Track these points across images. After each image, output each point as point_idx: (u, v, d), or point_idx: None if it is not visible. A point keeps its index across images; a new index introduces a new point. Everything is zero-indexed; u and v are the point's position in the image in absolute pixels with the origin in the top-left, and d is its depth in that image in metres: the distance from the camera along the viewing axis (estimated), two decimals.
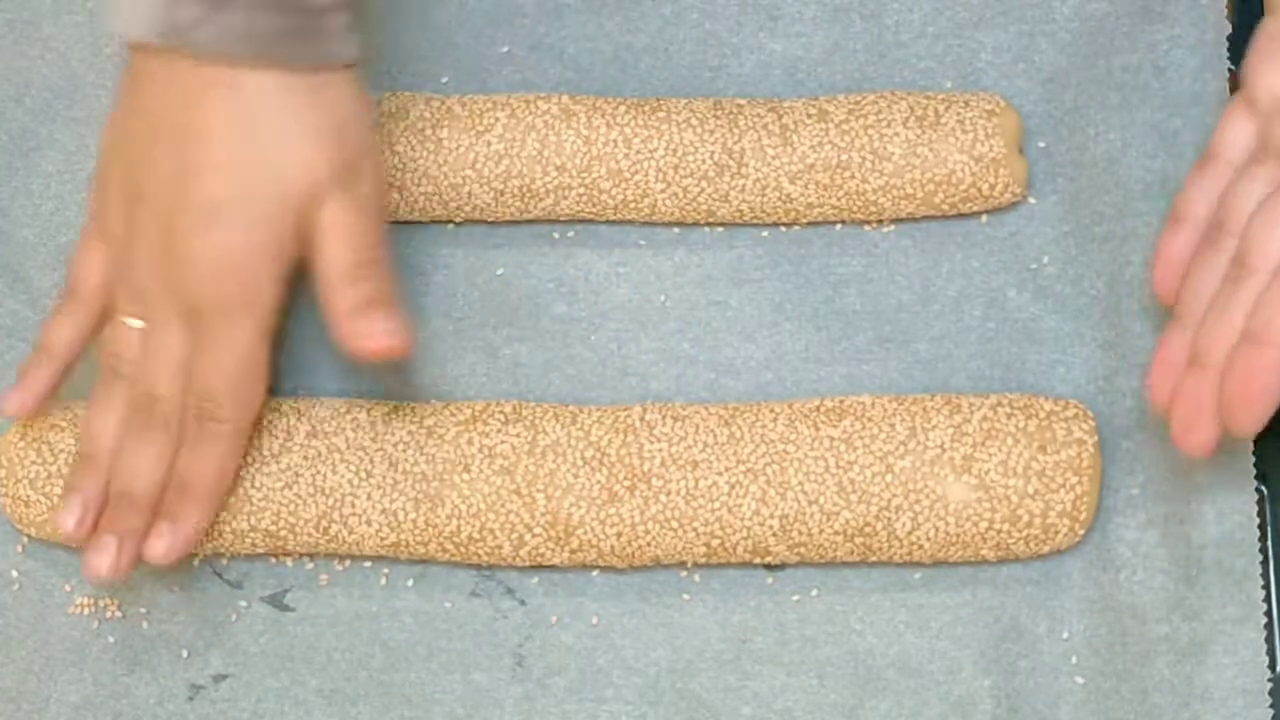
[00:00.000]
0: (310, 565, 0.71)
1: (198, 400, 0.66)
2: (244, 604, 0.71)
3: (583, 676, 0.69)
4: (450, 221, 0.75)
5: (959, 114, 0.72)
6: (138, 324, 0.67)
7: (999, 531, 0.67)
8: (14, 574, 0.72)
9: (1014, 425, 0.67)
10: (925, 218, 0.73)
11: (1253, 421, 0.61)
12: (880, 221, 0.74)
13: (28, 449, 0.70)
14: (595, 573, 0.70)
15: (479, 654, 0.70)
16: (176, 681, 0.70)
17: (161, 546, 0.66)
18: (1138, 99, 0.73)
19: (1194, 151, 0.72)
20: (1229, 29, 0.73)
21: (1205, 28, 0.73)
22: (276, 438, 0.69)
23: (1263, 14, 0.67)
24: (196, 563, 0.71)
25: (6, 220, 0.76)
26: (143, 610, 0.71)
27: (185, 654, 0.70)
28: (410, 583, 0.71)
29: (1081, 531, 0.68)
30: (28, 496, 0.69)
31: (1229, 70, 0.73)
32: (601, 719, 0.69)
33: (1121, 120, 0.73)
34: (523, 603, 0.70)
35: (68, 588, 0.71)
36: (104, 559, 0.66)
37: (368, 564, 0.71)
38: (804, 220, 0.74)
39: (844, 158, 0.72)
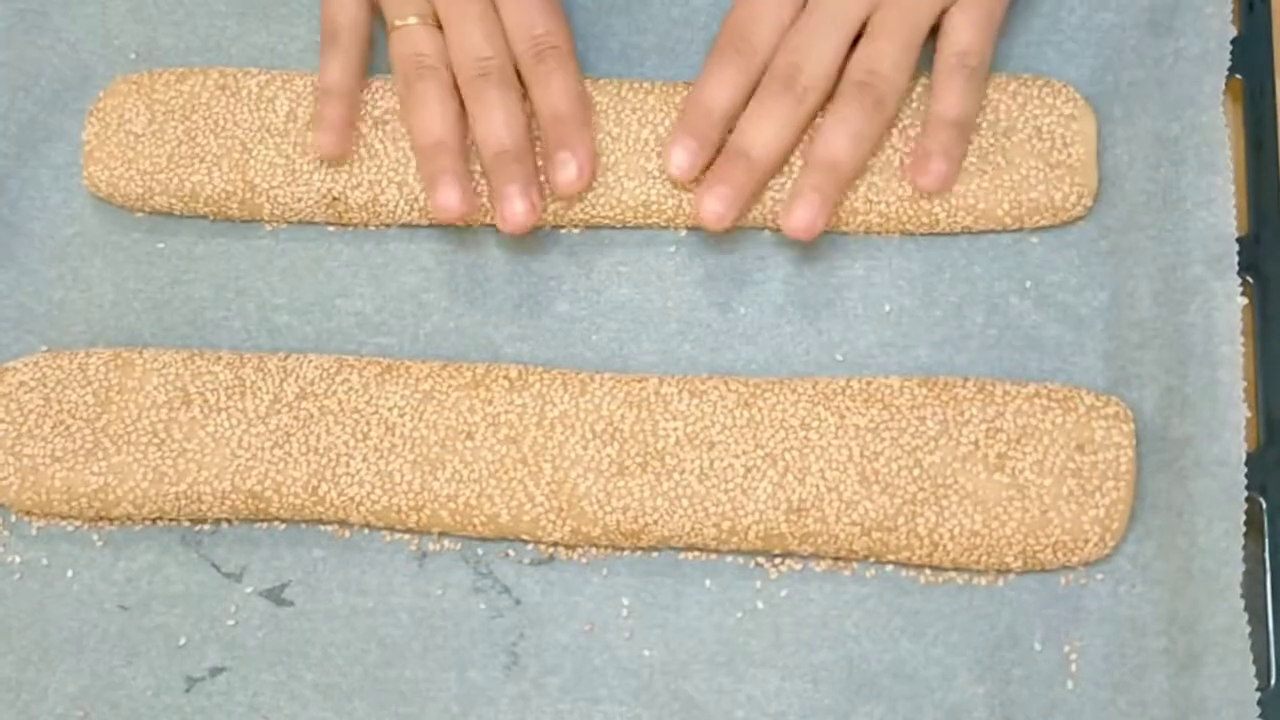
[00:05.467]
0: (309, 558, 0.71)
1: (527, 42, 0.71)
2: (242, 598, 0.71)
3: (577, 676, 0.69)
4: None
5: (1034, 117, 0.69)
6: (414, 20, 0.72)
7: (1025, 535, 0.65)
8: (14, 561, 0.72)
9: (1050, 421, 0.66)
10: (982, 231, 0.72)
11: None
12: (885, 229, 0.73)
13: None
14: (592, 572, 0.70)
15: (474, 651, 0.70)
16: (173, 673, 0.70)
17: (571, 171, 0.70)
18: (1142, 111, 0.72)
19: (1194, 158, 0.71)
20: (1233, 32, 0.72)
21: (1211, 41, 0.71)
22: (263, 400, 0.68)
23: (1269, 23, 0.66)
24: (196, 556, 0.72)
25: (14, 212, 0.76)
26: (141, 603, 0.71)
27: (182, 645, 0.71)
28: (407, 580, 0.71)
29: (1112, 543, 0.66)
30: None
31: (1235, 78, 0.72)
32: (595, 719, 0.69)
33: (1126, 133, 0.73)
34: (519, 601, 0.70)
35: (69, 575, 0.72)
36: (536, 205, 0.71)
37: (366, 560, 0.71)
38: (845, 229, 0.72)
39: (905, 160, 0.70)
